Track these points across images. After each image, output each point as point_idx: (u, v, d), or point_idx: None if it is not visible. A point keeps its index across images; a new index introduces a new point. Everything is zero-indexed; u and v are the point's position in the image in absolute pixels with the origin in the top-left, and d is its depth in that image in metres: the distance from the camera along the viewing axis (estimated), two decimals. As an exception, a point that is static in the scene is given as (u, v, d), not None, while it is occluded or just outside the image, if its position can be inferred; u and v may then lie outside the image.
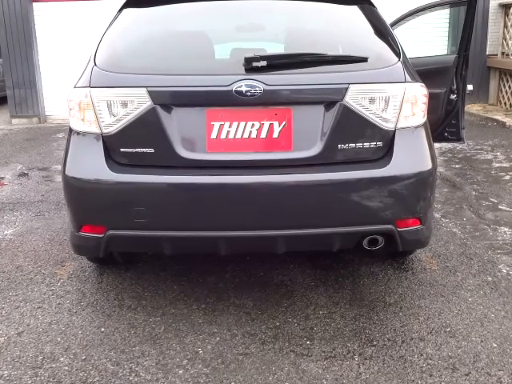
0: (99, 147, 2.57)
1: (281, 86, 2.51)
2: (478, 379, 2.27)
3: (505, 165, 5.62)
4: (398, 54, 2.70)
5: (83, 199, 2.63)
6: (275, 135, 2.52)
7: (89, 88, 2.56)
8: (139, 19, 3.00)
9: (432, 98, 2.93)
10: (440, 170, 5.28)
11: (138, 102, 2.50)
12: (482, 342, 2.52)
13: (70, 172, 2.61)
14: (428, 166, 2.62)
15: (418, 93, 2.60)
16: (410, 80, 2.60)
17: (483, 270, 3.24)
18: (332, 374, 2.32)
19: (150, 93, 2.49)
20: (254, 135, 2.51)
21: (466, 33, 4.16)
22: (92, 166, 2.58)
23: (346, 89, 2.50)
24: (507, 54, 8.78)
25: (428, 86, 2.67)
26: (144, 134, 2.54)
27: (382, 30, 2.89)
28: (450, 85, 4.23)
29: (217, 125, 2.51)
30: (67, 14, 9.03)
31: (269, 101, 2.50)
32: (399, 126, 2.58)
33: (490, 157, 5.97)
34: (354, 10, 2.98)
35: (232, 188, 2.54)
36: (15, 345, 2.57)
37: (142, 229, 2.55)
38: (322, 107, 2.53)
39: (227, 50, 3.08)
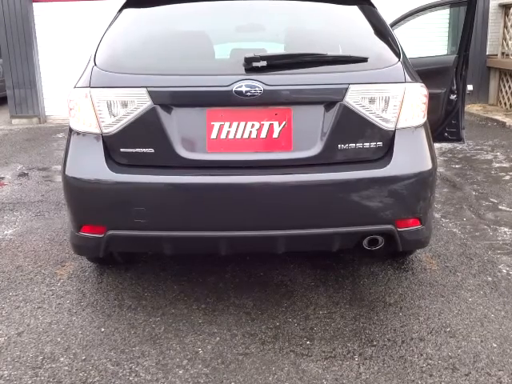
0: (99, 147, 2.57)
1: (281, 86, 2.51)
2: (477, 379, 2.27)
3: (505, 165, 5.62)
4: (397, 54, 2.70)
5: (83, 199, 2.63)
6: (275, 135, 2.52)
7: (89, 88, 2.56)
8: (139, 19, 3.00)
9: (432, 98, 2.93)
10: (440, 170, 5.28)
11: (138, 102, 2.50)
12: (481, 342, 2.52)
13: (70, 172, 2.61)
14: (428, 166, 2.62)
15: (418, 93, 2.60)
16: (410, 80, 2.60)
17: (483, 270, 3.24)
18: (332, 374, 2.33)
19: (149, 93, 2.49)
20: (254, 135, 2.51)
21: (466, 33, 4.16)
22: (92, 166, 2.58)
23: (346, 89, 2.50)
24: (507, 54, 8.78)
25: (428, 86, 2.68)
26: (144, 134, 2.54)
27: (382, 30, 2.89)
28: (450, 85, 4.23)
29: (217, 125, 2.51)
30: (67, 14, 9.03)
31: (269, 101, 2.50)
32: (399, 126, 2.58)
33: (490, 157, 5.97)
34: (354, 10, 2.98)
35: (232, 188, 2.54)
36: (15, 345, 2.57)
37: (142, 229, 2.55)
38: (322, 107, 2.53)
39: (227, 50, 3.08)
